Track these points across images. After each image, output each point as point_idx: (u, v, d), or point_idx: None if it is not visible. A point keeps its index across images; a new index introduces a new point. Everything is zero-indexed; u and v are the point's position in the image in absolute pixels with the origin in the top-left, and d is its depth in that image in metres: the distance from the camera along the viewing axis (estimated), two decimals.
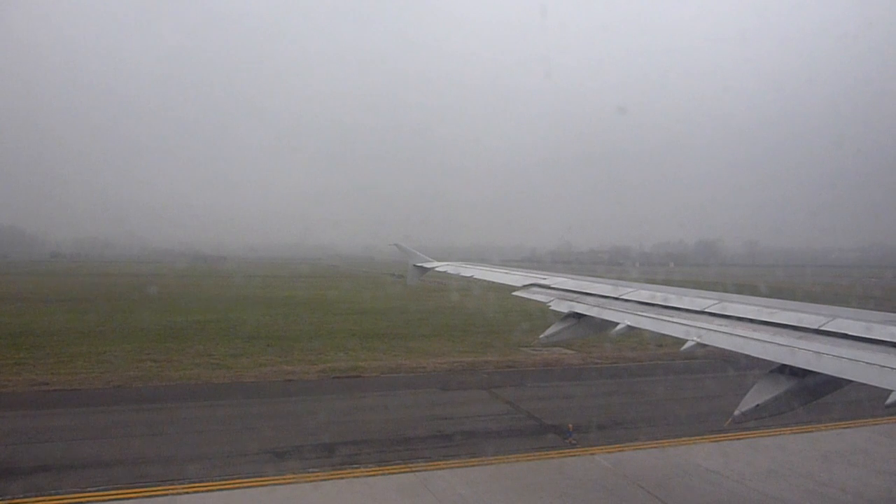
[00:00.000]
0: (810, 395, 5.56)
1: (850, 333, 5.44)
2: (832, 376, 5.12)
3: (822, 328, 5.72)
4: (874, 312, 5.89)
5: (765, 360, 5.71)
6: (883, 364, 4.84)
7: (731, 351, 6.20)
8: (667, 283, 11.26)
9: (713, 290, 8.25)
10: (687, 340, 6.61)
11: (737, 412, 5.53)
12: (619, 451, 14.05)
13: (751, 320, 6.50)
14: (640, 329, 7.66)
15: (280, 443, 13.84)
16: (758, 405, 5.48)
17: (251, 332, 31.78)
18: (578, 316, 8.82)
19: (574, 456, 13.68)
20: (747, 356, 5.95)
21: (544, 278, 11.13)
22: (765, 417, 5.60)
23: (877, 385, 4.68)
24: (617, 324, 7.82)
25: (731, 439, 14.83)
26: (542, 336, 9.05)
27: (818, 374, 5.24)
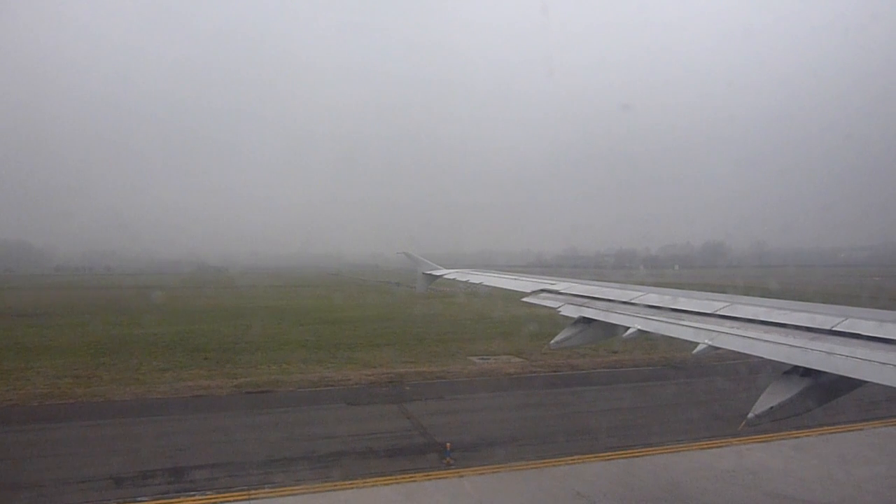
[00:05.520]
0: (825, 396, 5.48)
1: (863, 333, 5.37)
2: (846, 377, 5.04)
3: (835, 328, 5.66)
4: (887, 312, 5.75)
5: (777, 361, 5.63)
6: None
7: (741, 353, 6.09)
8: (675, 285, 10.73)
9: (722, 293, 8.07)
10: (698, 343, 6.50)
11: (751, 415, 5.40)
12: (494, 472, 13.01)
13: (762, 322, 6.41)
14: (650, 333, 7.44)
15: (129, 467, 13.05)
16: (772, 407, 5.38)
17: (200, 345, 31.17)
18: (588, 321, 8.73)
19: (440, 479, 12.67)
20: (761, 357, 5.88)
21: (553, 283, 11.03)
22: (779, 419, 5.50)
23: (891, 385, 4.58)
24: (627, 328, 7.71)
25: (611, 458, 13.75)
26: (552, 342, 8.98)
27: (832, 374, 5.16)
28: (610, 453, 14.07)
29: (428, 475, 12.80)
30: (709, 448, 14.46)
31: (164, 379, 22.34)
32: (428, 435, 15.62)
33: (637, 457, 13.94)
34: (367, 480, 12.41)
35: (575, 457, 13.83)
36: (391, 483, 12.36)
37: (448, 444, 14.05)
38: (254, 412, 18.05)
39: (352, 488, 12.04)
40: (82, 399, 19.36)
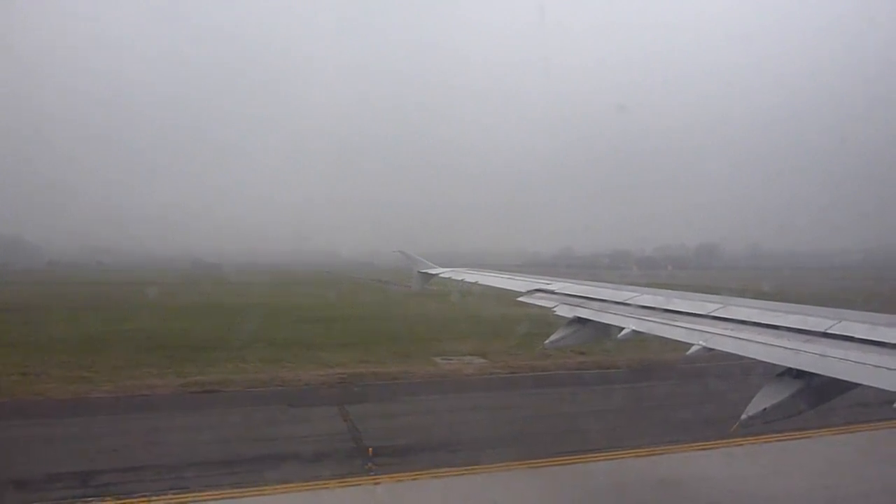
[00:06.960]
0: (818, 399, 5.51)
1: (857, 336, 5.41)
2: (839, 379, 5.08)
3: (829, 331, 5.69)
4: (880, 315, 5.79)
5: (771, 363, 5.65)
6: (890, 367, 4.79)
7: (735, 354, 6.11)
8: (669, 286, 10.68)
9: (716, 294, 8.05)
10: (692, 344, 6.54)
11: (744, 416, 5.44)
12: (414, 478, 12.59)
13: (756, 323, 6.45)
14: (644, 333, 7.51)
15: (32, 471, 12.61)
16: (765, 409, 5.42)
17: (169, 342, 30.73)
18: (583, 321, 8.77)
19: (354, 485, 12.25)
20: (754, 360, 5.91)
21: (548, 283, 11.05)
22: (772, 421, 5.54)
23: (884, 388, 4.60)
24: (622, 328, 7.79)
25: (542, 466, 13.29)
26: (546, 342, 9.05)
27: (825, 377, 5.19)
28: (545, 460, 13.57)
29: (342, 481, 12.37)
30: (652, 455, 13.97)
31: (119, 377, 21.84)
32: (358, 439, 15.17)
33: (573, 464, 13.45)
34: (277, 487, 11.98)
35: (503, 463, 13.35)
36: (302, 490, 11.95)
37: (370, 450, 13.64)
38: (188, 413, 17.65)
39: (257, 495, 11.61)
40: (19, 397, 18.95)
